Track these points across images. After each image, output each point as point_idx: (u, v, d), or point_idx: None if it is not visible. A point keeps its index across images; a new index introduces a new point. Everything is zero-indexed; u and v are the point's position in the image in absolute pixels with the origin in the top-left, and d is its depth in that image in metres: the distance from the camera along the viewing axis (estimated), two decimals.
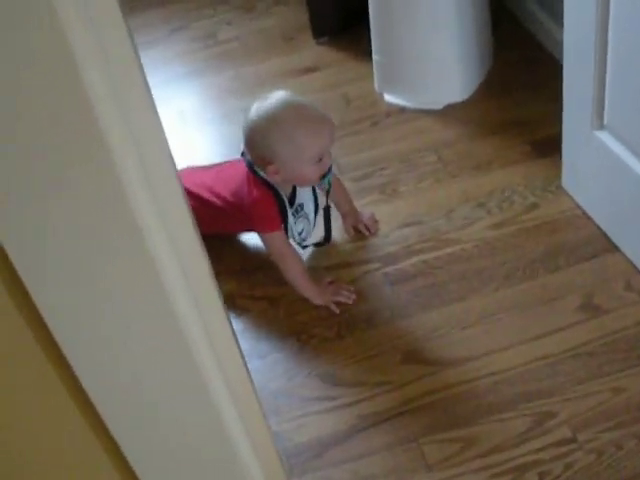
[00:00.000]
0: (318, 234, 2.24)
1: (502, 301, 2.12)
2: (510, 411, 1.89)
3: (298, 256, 2.15)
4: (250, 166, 2.09)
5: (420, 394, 1.95)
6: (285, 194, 2.11)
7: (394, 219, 2.34)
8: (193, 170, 2.33)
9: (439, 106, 2.65)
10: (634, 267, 2.13)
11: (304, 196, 2.17)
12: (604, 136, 2.11)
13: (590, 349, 1.99)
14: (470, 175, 2.45)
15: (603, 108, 2.09)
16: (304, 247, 2.23)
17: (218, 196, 2.18)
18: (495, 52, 2.81)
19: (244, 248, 2.35)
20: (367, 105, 2.73)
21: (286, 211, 2.11)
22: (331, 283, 2.20)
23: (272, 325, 2.15)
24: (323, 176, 2.05)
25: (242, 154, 2.13)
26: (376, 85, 2.74)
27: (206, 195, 2.20)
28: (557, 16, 2.63)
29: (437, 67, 2.63)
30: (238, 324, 2.14)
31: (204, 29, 3.18)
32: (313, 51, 2.97)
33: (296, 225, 2.16)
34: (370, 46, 2.70)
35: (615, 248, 2.18)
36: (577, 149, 2.22)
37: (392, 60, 2.66)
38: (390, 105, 2.71)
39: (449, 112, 2.65)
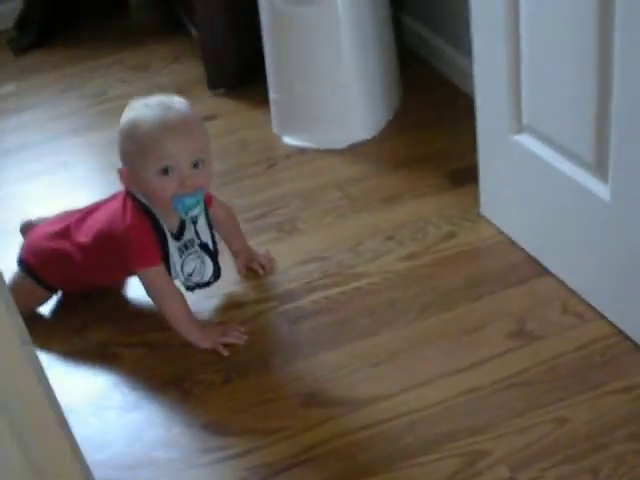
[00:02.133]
0: (206, 273, 1.80)
1: (418, 334, 1.72)
2: (433, 453, 1.48)
3: (181, 294, 1.74)
4: (127, 190, 1.70)
5: (322, 440, 1.53)
6: (168, 226, 1.70)
7: (293, 256, 1.95)
8: (61, 217, 1.89)
9: (342, 145, 2.28)
10: (569, 290, 1.75)
11: (191, 229, 1.75)
12: (524, 139, 1.76)
13: (525, 378, 1.60)
14: (378, 209, 2.08)
15: (520, 108, 1.73)
16: (190, 289, 1.79)
17: (86, 233, 1.77)
18: (403, 93, 2.47)
19: (119, 295, 1.91)
20: (265, 148, 2.37)
21: (166, 245, 1.69)
22: (219, 324, 1.77)
23: (151, 373, 1.71)
24: (178, 199, 1.62)
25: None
26: (274, 127, 2.38)
27: (70, 240, 1.79)
28: (463, 47, 2.31)
29: (339, 105, 2.28)
30: (111, 375, 1.70)
31: (95, 88, 2.81)
32: (209, 102, 2.61)
33: (185, 265, 1.75)
34: (268, 93, 2.37)
35: (545, 272, 1.81)
36: (496, 162, 1.87)
37: (291, 99, 2.33)
38: (289, 147, 2.34)
39: (354, 150, 2.30)
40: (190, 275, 1.76)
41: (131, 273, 1.75)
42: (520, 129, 1.76)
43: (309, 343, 1.72)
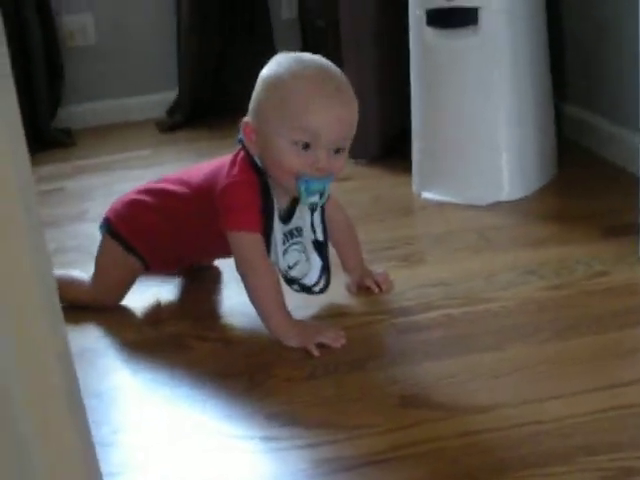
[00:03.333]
0: (312, 274, 1.48)
1: (552, 353, 1.34)
2: (560, 466, 1.07)
3: (274, 272, 1.41)
4: (242, 143, 1.41)
5: (415, 441, 1.15)
6: (279, 203, 1.41)
7: (414, 280, 1.61)
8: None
9: (486, 202, 1.95)
10: None
11: (306, 219, 1.46)
12: None
13: None
14: (519, 249, 1.73)
15: None
16: (290, 283, 1.47)
17: (186, 183, 1.48)
18: (559, 166, 2.13)
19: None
20: (400, 202, 2.06)
21: (271, 222, 1.39)
22: (313, 324, 1.43)
23: (223, 365, 1.37)
24: (304, 180, 1.33)
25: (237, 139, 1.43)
26: (414, 183, 2.10)
27: (171, 187, 1.50)
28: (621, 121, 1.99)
29: (488, 158, 1.98)
30: (181, 365, 1.37)
31: None
32: (350, 168, 2.33)
33: (287, 254, 1.44)
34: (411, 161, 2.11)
35: None
36: None
37: (436, 148, 2.05)
38: (427, 201, 2.02)
39: (498, 206, 1.95)
40: (290, 267, 1.45)
41: (224, 249, 1.42)
42: None
43: (418, 352, 1.36)
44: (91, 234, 1.69)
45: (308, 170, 1.32)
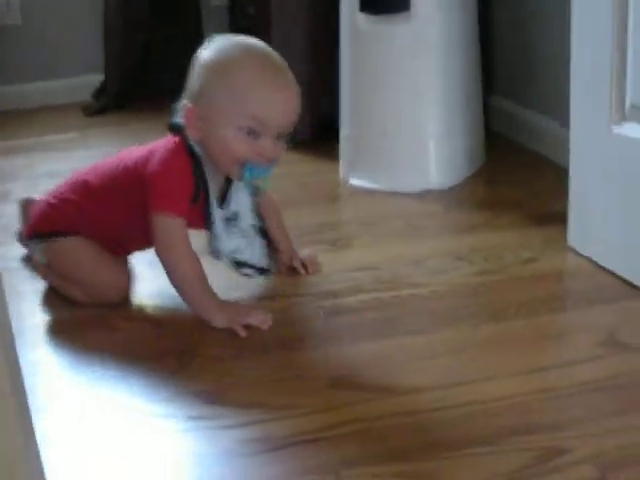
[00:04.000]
0: (255, 256, 1.44)
1: (486, 335, 1.31)
2: (493, 445, 1.03)
3: (197, 257, 1.34)
4: (178, 128, 1.34)
5: (347, 421, 1.10)
6: (213, 187, 1.35)
7: (341, 265, 1.56)
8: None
9: (414, 189, 1.93)
10: None
11: (241, 203, 1.41)
12: (627, 128, 1.38)
13: (618, 383, 1.17)
14: (448, 237, 1.70)
15: (625, 90, 1.38)
16: (238, 266, 1.42)
17: (116, 166, 1.42)
18: (487, 156, 2.12)
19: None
20: (327, 188, 2.02)
21: (210, 209, 1.35)
22: (240, 305, 1.38)
23: (148, 345, 1.31)
24: (249, 167, 1.30)
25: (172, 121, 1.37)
26: (341, 171, 2.06)
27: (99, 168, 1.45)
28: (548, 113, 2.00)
29: (416, 146, 1.95)
30: (104, 346, 1.30)
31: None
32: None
33: (229, 240, 1.39)
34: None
35: None
36: (590, 168, 1.49)
37: (363, 135, 2.02)
38: (355, 187, 1.98)
39: (427, 194, 1.93)
40: (233, 252, 1.40)
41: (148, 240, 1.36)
42: (622, 118, 1.40)
43: (347, 334, 1.33)
44: (15, 214, 1.61)
45: (254, 157, 1.29)
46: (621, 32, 1.36)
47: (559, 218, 1.64)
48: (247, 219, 1.42)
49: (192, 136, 1.32)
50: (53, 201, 1.44)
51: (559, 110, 2.00)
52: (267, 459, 1.01)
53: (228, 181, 1.38)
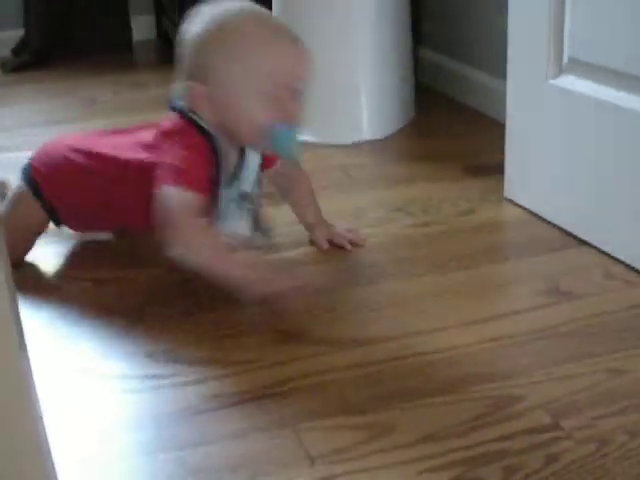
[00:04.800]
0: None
1: (431, 287, 1.31)
2: (448, 395, 1.04)
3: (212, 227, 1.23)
4: (182, 111, 1.24)
5: (301, 374, 1.10)
6: (227, 162, 1.25)
7: (281, 218, 1.53)
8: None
9: (347, 141, 1.91)
10: (613, 258, 1.35)
11: (250, 178, 1.31)
12: (565, 80, 1.39)
13: (565, 331, 1.18)
14: (385, 188, 1.69)
15: (562, 43, 1.38)
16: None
17: (118, 154, 1.30)
18: (417, 109, 2.12)
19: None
20: None
21: (220, 188, 1.24)
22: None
23: (94, 305, 1.27)
24: (279, 133, 1.19)
25: (170, 105, 1.27)
26: None
27: (106, 151, 1.32)
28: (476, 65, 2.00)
29: (348, 99, 1.94)
30: (48, 308, 1.26)
31: (85, 94, 2.44)
32: None
33: (234, 219, 1.30)
34: None
35: (583, 242, 1.40)
36: (529, 120, 1.51)
37: None
38: None
39: (361, 146, 1.92)
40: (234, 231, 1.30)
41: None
42: (559, 71, 1.40)
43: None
44: None
45: (281, 121, 1.19)
46: None
47: (495, 170, 1.65)
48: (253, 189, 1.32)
49: (206, 118, 1.21)
50: (69, 162, 1.33)
51: (490, 62, 2.01)
52: (225, 415, 1.00)
53: (241, 157, 1.28)
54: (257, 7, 1.25)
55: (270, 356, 1.12)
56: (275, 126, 1.19)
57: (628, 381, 1.05)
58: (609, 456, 0.92)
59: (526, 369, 1.08)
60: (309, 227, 1.43)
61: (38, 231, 1.37)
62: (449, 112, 2.14)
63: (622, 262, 1.33)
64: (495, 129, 1.79)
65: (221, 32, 1.19)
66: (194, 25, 1.22)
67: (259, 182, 1.33)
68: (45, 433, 0.67)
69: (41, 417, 0.66)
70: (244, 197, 1.29)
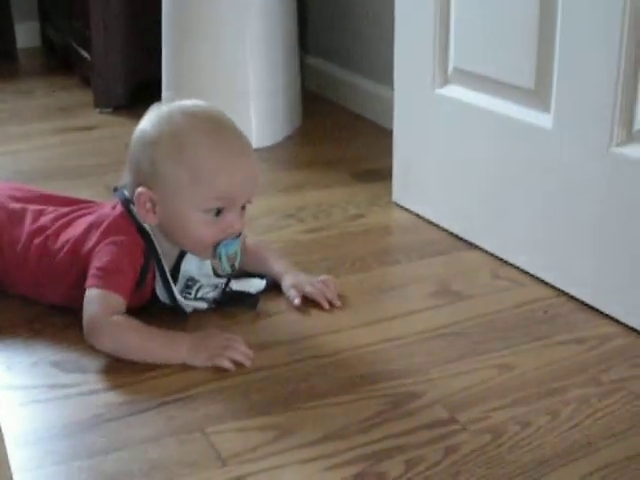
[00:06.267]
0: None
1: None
2: (347, 394, 1.08)
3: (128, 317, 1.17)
4: (125, 202, 1.22)
5: (201, 380, 1.11)
6: (167, 259, 1.23)
7: None
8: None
9: None
10: (498, 259, 1.43)
11: (194, 267, 1.28)
12: (450, 90, 1.46)
13: (457, 330, 1.25)
14: (275, 196, 1.73)
15: (447, 55, 1.45)
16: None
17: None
18: (303, 117, 2.17)
19: None
20: None
21: (170, 287, 1.22)
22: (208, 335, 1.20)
23: None
24: (222, 245, 1.19)
25: (115, 189, 1.26)
26: None
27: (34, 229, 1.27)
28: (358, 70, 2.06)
29: (235, 107, 1.95)
30: None
31: None
32: (94, 117, 2.24)
33: (197, 300, 1.26)
34: None
35: (470, 245, 1.48)
36: (415, 128, 1.56)
37: (182, 96, 1.97)
38: None
39: None
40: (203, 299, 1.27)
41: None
42: (445, 81, 1.47)
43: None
44: None
45: (223, 235, 1.18)
46: None
47: (382, 175, 1.71)
48: (208, 281, 1.28)
49: (146, 220, 1.19)
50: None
51: (375, 68, 2.07)
52: (135, 421, 1.01)
53: (181, 254, 1.26)
54: (211, 111, 1.23)
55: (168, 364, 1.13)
56: (219, 243, 1.18)
57: (517, 375, 1.12)
58: (503, 446, 0.98)
59: (422, 367, 1.13)
60: (277, 278, 1.34)
61: None
62: (334, 118, 2.20)
63: (508, 263, 1.40)
64: (378, 134, 1.86)
65: (174, 139, 1.16)
66: (148, 125, 1.19)
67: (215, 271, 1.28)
68: None
69: None
70: (190, 284, 1.26)
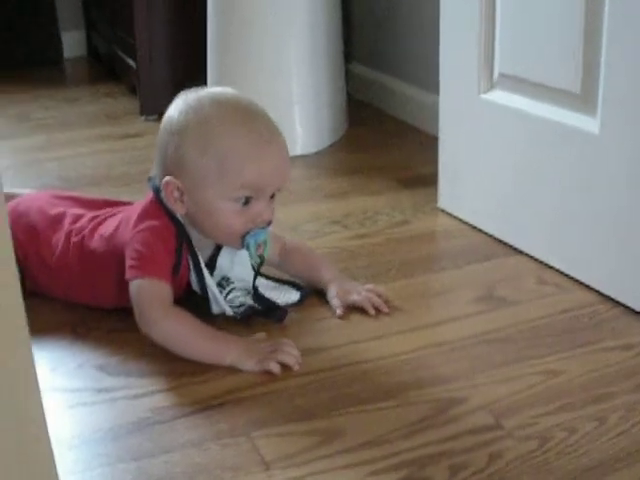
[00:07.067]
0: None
1: None
2: (391, 400, 1.08)
3: (184, 312, 1.17)
4: (156, 190, 1.22)
5: (248, 385, 1.12)
6: (203, 250, 1.24)
7: None
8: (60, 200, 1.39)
9: None
10: (543, 264, 1.43)
11: (231, 265, 1.28)
12: (495, 95, 1.45)
13: (502, 336, 1.24)
14: (321, 201, 1.74)
15: (492, 61, 1.45)
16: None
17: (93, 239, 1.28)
18: (349, 124, 2.18)
19: None
20: None
21: (202, 276, 1.22)
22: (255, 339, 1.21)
23: (40, 320, 1.27)
24: (250, 235, 1.19)
25: (149, 179, 1.26)
26: None
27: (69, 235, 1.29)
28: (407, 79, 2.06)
29: (280, 113, 1.96)
30: None
31: (18, 111, 2.45)
32: (140, 125, 2.28)
33: (230, 302, 1.26)
34: None
35: (515, 250, 1.48)
36: (460, 134, 1.56)
37: None
38: None
39: (293, 161, 1.94)
40: (238, 308, 1.26)
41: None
42: (490, 86, 1.47)
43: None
44: None
45: (252, 225, 1.18)
46: (489, 2, 1.42)
47: (427, 181, 1.71)
48: (245, 279, 1.28)
49: (177, 210, 1.19)
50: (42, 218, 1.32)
51: (422, 76, 2.07)
52: (180, 425, 1.02)
53: (217, 247, 1.27)
54: (240, 99, 1.21)
55: (219, 367, 1.14)
56: (248, 233, 1.19)
57: (563, 381, 1.11)
58: (549, 452, 0.97)
59: (467, 373, 1.13)
60: (325, 284, 1.32)
61: None
62: (379, 125, 2.20)
63: (554, 268, 1.40)
64: (423, 140, 1.86)
65: (201, 128, 1.16)
66: (175, 114, 1.19)
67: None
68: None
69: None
70: (223, 284, 1.27)
